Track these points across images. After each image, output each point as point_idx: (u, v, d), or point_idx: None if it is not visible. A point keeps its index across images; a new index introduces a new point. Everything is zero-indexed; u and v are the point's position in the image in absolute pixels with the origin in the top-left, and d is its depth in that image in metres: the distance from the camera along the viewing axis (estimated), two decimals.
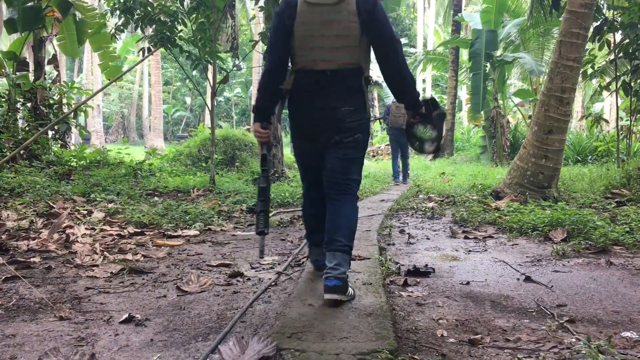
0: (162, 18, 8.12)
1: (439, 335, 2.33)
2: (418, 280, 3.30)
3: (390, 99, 26.94)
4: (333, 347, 2.04)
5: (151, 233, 4.78)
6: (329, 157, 2.82)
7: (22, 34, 9.69)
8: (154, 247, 4.23)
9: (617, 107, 10.15)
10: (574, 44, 6.64)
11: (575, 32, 6.62)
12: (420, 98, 2.88)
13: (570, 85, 6.68)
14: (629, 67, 9.38)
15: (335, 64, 2.73)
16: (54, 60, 10.93)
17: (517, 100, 18.21)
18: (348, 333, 2.19)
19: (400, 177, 10.76)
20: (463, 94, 29.61)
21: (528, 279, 3.31)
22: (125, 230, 4.76)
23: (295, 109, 2.90)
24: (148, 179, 8.68)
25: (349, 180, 2.82)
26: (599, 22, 8.91)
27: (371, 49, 2.81)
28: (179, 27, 8.40)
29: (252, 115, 3.12)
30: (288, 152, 11.91)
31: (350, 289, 2.67)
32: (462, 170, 12.84)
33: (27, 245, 4.03)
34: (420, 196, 8.11)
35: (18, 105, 9.62)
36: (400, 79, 2.81)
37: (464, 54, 18.56)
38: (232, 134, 12.81)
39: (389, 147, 13.09)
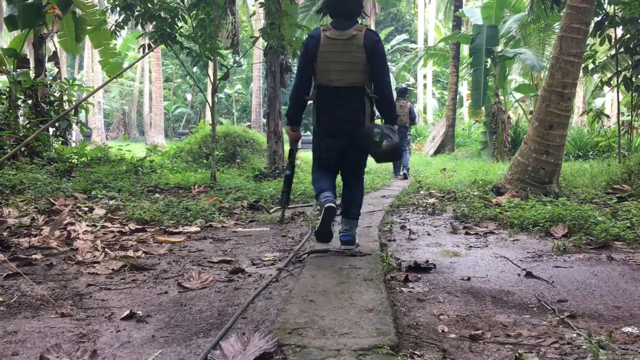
0: (162, 14, 8.10)
1: (440, 331, 2.33)
2: (419, 276, 3.30)
3: None
4: (334, 342, 2.05)
5: (152, 230, 4.79)
6: (349, 153, 3.80)
7: (23, 31, 9.69)
8: (155, 244, 4.23)
9: (618, 102, 10.13)
10: (575, 39, 6.62)
11: (576, 27, 6.61)
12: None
13: (571, 80, 6.67)
14: (630, 62, 9.36)
15: (346, 82, 3.67)
16: (54, 57, 10.91)
17: (518, 95, 18.20)
18: (349, 329, 2.20)
19: (401, 172, 10.96)
20: (464, 89, 29.60)
21: (529, 274, 3.31)
22: (126, 227, 4.76)
23: (319, 115, 3.81)
24: (149, 176, 8.68)
25: (362, 170, 3.97)
26: (599, 17, 8.88)
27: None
28: (180, 24, 8.39)
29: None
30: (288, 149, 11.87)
31: (356, 242, 3.83)
32: (463, 166, 12.84)
33: (29, 242, 4.04)
34: (421, 192, 8.11)
35: (19, 103, 9.61)
36: (384, 101, 3.80)
37: (465, 49, 18.54)
38: (233, 130, 12.82)
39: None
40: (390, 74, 28.40)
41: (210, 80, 8.58)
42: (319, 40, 3.68)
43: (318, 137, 3.89)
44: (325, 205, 3.54)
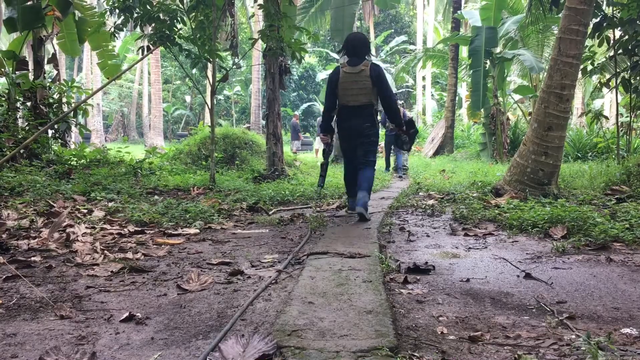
0: (161, 16, 8.11)
1: (439, 333, 2.33)
2: (418, 277, 3.30)
3: None
4: (333, 344, 2.05)
5: (151, 232, 4.79)
6: (358, 149, 5.52)
7: (22, 33, 9.69)
8: (155, 246, 4.23)
9: (617, 103, 10.14)
10: (574, 40, 6.64)
11: (575, 29, 6.62)
12: (407, 117, 5.68)
13: (569, 82, 6.68)
14: (628, 64, 9.38)
15: (359, 102, 5.41)
16: (53, 59, 10.92)
17: (517, 97, 18.21)
18: (348, 331, 2.20)
19: (399, 173, 11.39)
20: (463, 91, 29.62)
21: (528, 275, 3.32)
22: (125, 229, 4.76)
23: (340, 124, 5.61)
24: (148, 178, 8.68)
25: (369, 159, 5.54)
26: (598, 19, 8.90)
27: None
28: (179, 26, 8.39)
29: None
30: (288, 150, 11.96)
31: (367, 209, 5.38)
32: (462, 168, 12.85)
33: (28, 245, 4.04)
34: (420, 194, 8.12)
35: (18, 105, 9.62)
36: (390, 111, 5.66)
37: (464, 51, 18.59)
38: (232, 132, 12.82)
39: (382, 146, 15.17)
40: (390, 75, 28.67)
41: (210, 82, 8.58)
42: (339, 75, 5.43)
43: (339, 139, 5.78)
44: (349, 211, 5.80)
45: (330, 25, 14.54)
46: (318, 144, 22.16)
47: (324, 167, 6.03)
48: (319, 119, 21.44)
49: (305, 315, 2.39)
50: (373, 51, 33.49)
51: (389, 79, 28.34)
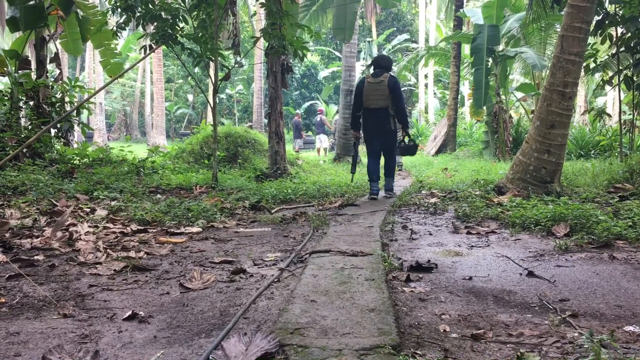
0: (163, 15, 8.11)
1: (442, 331, 2.33)
2: (421, 275, 3.30)
3: None
4: (335, 342, 2.05)
5: (154, 230, 4.80)
6: (383, 144, 7.21)
7: (24, 33, 9.70)
8: (157, 245, 4.24)
9: (620, 101, 10.12)
10: (576, 38, 6.62)
11: (577, 26, 6.60)
12: (409, 127, 8.40)
13: (572, 79, 6.66)
14: (631, 61, 9.35)
15: (378, 105, 6.96)
16: (56, 59, 10.93)
17: (519, 95, 18.16)
18: (351, 329, 2.20)
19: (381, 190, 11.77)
20: (465, 89, 29.55)
21: (531, 273, 3.31)
22: (128, 228, 4.77)
23: (365, 124, 7.22)
24: (151, 177, 8.69)
25: (392, 151, 7.30)
26: (600, 16, 8.86)
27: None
28: (181, 25, 8.39)
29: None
30: (290, 149, 11.99)
31: (394, 191, 7.42)
32: (464, 166, 12.83)
33: (31, 243, 4.05)
34: (422, 192, 8.11)
35: (20, 104, 9.63)
36: (400, 112, 7.10)
37: (466, 49, 18.51)
38: (235, 130, 12.82)
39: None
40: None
41: (212, 80, 8.58)
42: (364, 83, 7.08)
43: (365, 136, 7.42)
44: (370, 196, 7.15)
45: (332, 24, 14.51)
46: (319, 143, 22.36)
47: (354, 157, 7.74)
48: (317, 117, 21.76)
49: (307, 313, 2.39)
50: (375, 50, 33.59)
51: None
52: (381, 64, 7.16)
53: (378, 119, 7.02)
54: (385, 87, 6.90)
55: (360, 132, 7.53)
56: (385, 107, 6.95)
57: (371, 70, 7.29)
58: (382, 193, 7.40)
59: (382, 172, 7.57)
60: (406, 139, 7.59)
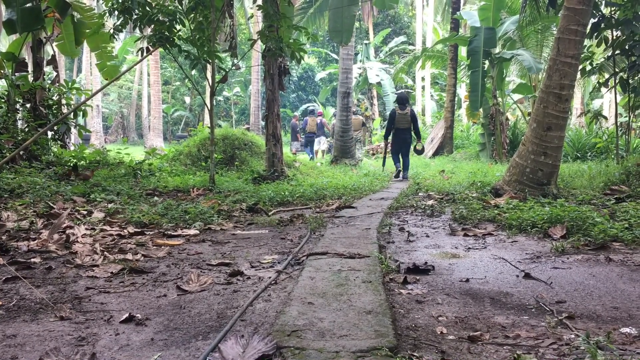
0: (160, 18, 8.10)
1: (439, 333, 2.33)
2: (418, 277, 3.31)
3: (388, 97, 28.21)
4: (333, 345, 2.05)
5: (151, 233, 4.79)
6: (403, 149, 11.84)
7: (21, 35, 9.68)
8: (154, 247, 4.23)
9: (616, 103, 10.15)
10: (572, 40, 6.64)
11: (573, 29, 6.63)
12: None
13: (568, 82, 6.68)
14: (627, 64, 9.39)
15: (404, 127, 11.76)
16: (52, 61, 10.92)
17: (516, 97, 18.20)
18: (348, 331, 2.20)
19: (401, 174, 11.34)
20: (462, 91, 29.58)
21: (527, 275, 3.32)
22: (125, 230, 4.76)
23: (394, 137, 11.91)
24: (148, 179, 8.68)
25: (408, 153, 12.00)
26: (596, 19, 8.91)
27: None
28: (178, 27, 8.38)
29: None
30: (287, 151, 12.04)
31: (408, 177, 11.72)
32: (461, 168, 12.86)
33: (28, 246, 4.04)
34: (420, 194, 8.12)
35: (17, 106, 9.61)
36: (416, 131, 12.12)
37: (463, 51, 18.57)
38: (232, 133, 12.81)
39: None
40: (389, 75, 28.80)
41: (209, 83, 8.59)
42: (395, 113, 11.59)
43: (392, 146, 11.90)
44: (396, 172, 11.77)
45: (328, 26, 14.52)
46: (317, 145, 22.40)
47: (384, 156, 13.22)
48: (306, 119, 21.82)
49: (304, 315, 2.39)
50: (372, 53, 33.71)
51: (388, 80, 28.68)
52: (403, 100, 11.81)
53: (404, 134, 11.65)
54: (409, 116, 11.53)
55: (389, 140, 12.11)
56: (408, 127, 11.62)
57: (396, 104, 11.93)
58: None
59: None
60: (419, 146, 12.78)
